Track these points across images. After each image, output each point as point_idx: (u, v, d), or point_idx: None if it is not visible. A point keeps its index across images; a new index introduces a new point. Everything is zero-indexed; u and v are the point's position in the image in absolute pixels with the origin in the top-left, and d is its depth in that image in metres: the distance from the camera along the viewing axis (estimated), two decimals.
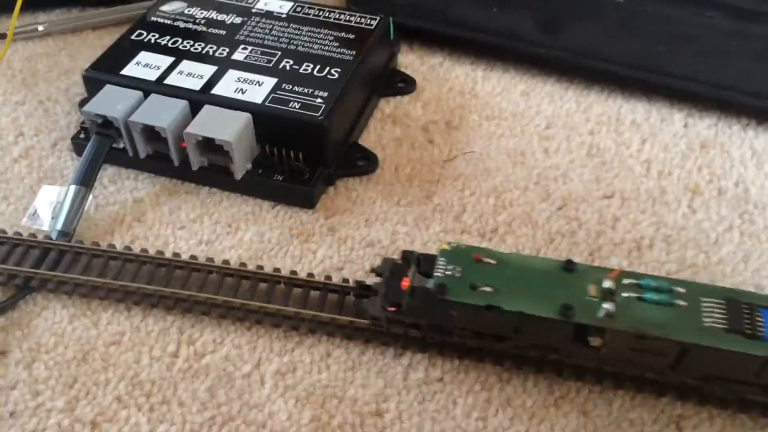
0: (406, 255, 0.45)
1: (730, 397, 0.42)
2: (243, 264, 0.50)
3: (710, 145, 0.61)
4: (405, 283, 0.43)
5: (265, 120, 0.55)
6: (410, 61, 0.70)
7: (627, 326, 0.39)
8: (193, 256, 0.50)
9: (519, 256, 0.44)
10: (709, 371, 0.41)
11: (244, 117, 0.55)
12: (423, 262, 0.44)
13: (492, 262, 0.42)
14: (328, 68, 0.59)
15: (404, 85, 0.67)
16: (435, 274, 0.42)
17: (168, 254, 0.50)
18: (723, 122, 0.63)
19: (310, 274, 0.49)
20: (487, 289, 0.41)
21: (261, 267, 0.50)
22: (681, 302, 0.40)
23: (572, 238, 0.54)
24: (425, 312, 0.42)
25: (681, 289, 0.41)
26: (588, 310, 0.40)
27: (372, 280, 0.47)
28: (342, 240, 0.54)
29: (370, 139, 0.62)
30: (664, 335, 0.39)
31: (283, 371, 0.45)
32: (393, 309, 0.42)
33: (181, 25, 0.64)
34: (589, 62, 0.66)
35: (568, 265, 0.42)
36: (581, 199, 0.57)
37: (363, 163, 0.59)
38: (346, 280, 0.49)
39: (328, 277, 0.49)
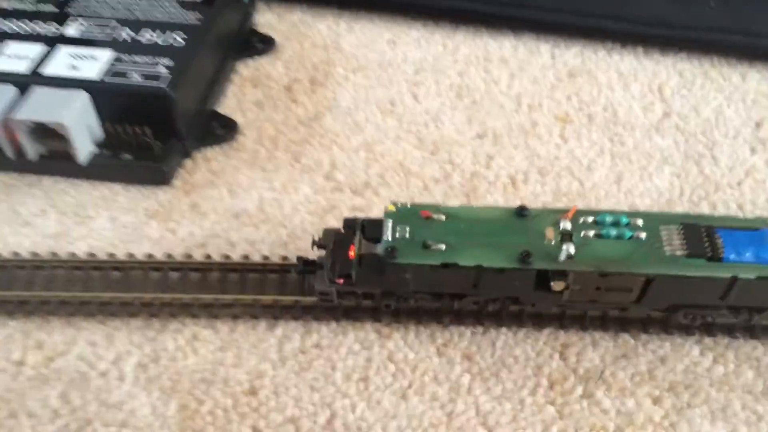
0: (349, 222, 0.41)
1: (696, 324, 0.42)
2: (92, 254, 0.46)
3: (578, 73, 0.60)
4: (352, 252, 0.40)
5: (105, 96, 0.51)
6: (268, 20, 0.66)
7: (589, 266, 0.38)
8: (34, 253, 0.46)
9: (469, 208, 0.42)
10: (675, 300, 0.40)
11: (79, 95, 0.50)
12: (368, 228, 0.41)
13: (442, 217, 0.40)
14: (171, 34, 0.55)
15: (263, 45, 0.63)
16: (383, 237, 0.39)
17: (6, 254, 0.46)
18: (588, 49, 0.62)
19: (169, 255, 0.46)
20: (441, 246, 0.38)
21: (113, 255, 0.46)
22: (640, 234, 0.39)
23: (447, 181, 0.52)
24: (377, 279, 0.39)
25: (638, 221, 0.39)
26: (548, 255, 0.38)
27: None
28: (204, 215, 0.50)
29: (228, 105, 0.58)
30: (626, 270, 0.37)
31: (145, 363, 0.42)
32: (342, 281, 0.40)
33: (4, 4, 0.58)
34: (453, 3, 0.64)
35: (521, 211, 0.40)
36: (454, 142, 0.55)
37: (222, 132, 0.55)
38: (266, 257, 0.46)
39: (226, 256, 0.46)
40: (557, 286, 0.38)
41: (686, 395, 0.40)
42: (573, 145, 0.54)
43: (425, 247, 0.38)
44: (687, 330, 0.42)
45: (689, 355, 0.42)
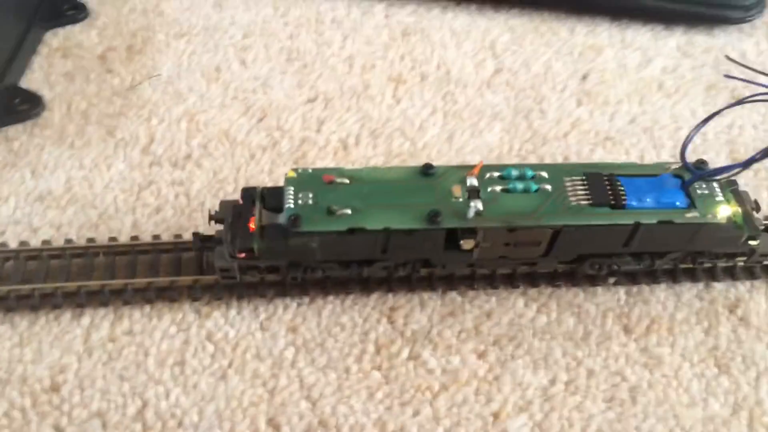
0: (248, 192, 0.38)
1: (602, 273, 0.41)
2: None
3: (412, 32, 0.59)
4: (252, 224, 0.37)
5: None
6: None
7: (497, 222, 0.36)
8: None
9: (373, 169, 0.39)
10: (581, 250, 0.39)
11: None
12: (268, 197, 0.38)
13: (345, 181, 0.37)
14: None
15: (74, 11, 0.58)
16: (285, 206, 0.36)
17: None
18: (423, 7, 0.61)
19: None
20: (347, 211, 0.36)
21: None
22: (545, 186, 0.38)
23: (275, 149, 0.50)
24: (281, 250, 0.37)
25: (543, 173, 0.39)
26: (456, 213, 0.36)
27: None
28: (4, 200, 0.45)
29: (34, 79, 0.53)
30: (534, 223, 0.37)
31: None
32: (243, 255, 0.37)
33: None
34: None
35: (427, 169, 0.38)
36: (283, 107, 0.53)
37: (25, 107, 0.50)
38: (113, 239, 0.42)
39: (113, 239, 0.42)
40: (467, 244, 0.37)
41: (510, 347, 0.40)
42: (406, 105, 0.53)
43: (330, 213, 0.36)
44: (523, 282, 0.42)
45: (514, 308, 0.42)
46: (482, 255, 0.39)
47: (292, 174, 0.38)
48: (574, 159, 0.50)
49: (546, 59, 0.58)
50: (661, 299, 0.42)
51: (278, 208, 0.37)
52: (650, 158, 0.50)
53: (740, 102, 0.39)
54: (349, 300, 0.42)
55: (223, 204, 0.39)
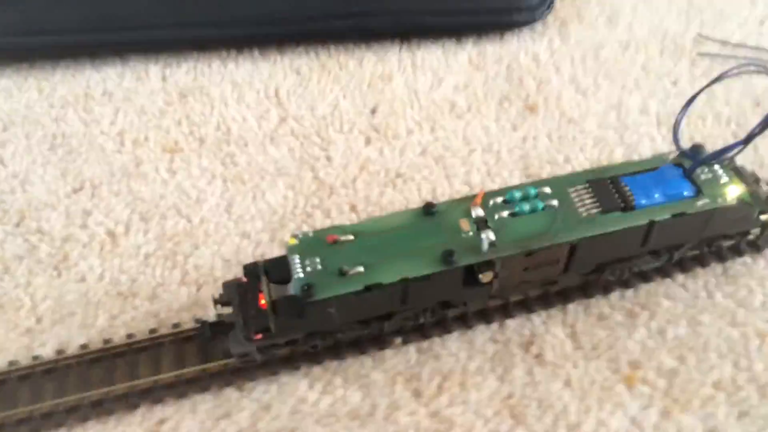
0: (250, 269, 0.37)
1: (624, 277, 0.41)
2: None
3: (189, 92, 0.56)
4: (262, 301, 0.35)
5: None
6: None
7: (513, 249, 0.36)
8: None
9: (375, 220, 0.38)
10: (600, 259, 0.39)
11: None
12: (272, 270, 0.36)
13: (350, 237, 0.36)
14: None
15: None
16: (295, 276, 0.35)
17: None
18: (202, 62, 0.58)
19: None
20: (359, 269, 0.35)
21: None
22: (552, 202, 0.37)
23: (33, 256, 0.45)
24: (299, 323, 0.35)
25: (546, 189, 0.38)
26: (470, 248, 0.35)
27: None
28: None
29: None
30: (551, 242, 0.36)
31: None
32: (260, 336, 0.35)
33: None
34: (27, 40, 0.56)
35: (429, 209, 0.37)
36: (44, 205, 0.48)
37: None
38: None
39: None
40: (486, 277, 0.36)
41: None
42: (181, 177, 0.50)
43: (342, 274, 0.35)
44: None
45: (296, 393, 0.39)
46: (502, 284, 0.38)
47: (294, 241, 0.36)
48: (361, 206, 0.48)
49: (333, 98, 0.55)
50: (453, 351, 0.40)
51: (285, 280, 0.35)
52: (442, 191, 0.48)
53: (720, 78, 0.38)
54: (113, 419, 0.38)
55: (227, 285, 0.37)
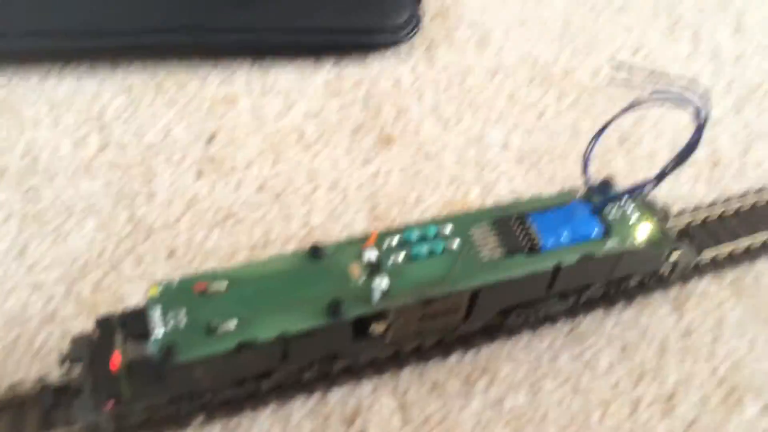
0: (103, 322, 0.32)
1: (529, 320, 0.38)
2: None
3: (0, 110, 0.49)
4: (116, 361, 0.30)
5: None
6: None
7: (408, 297, 0.32)
8: None
9: (252, 264, 0.33)
10: (503, 304, 0.36)
11: None
12: (131, 323, 0.31)
13: (222, 286, 0.32)
14: None
15: None
16: (154, 334, 0.30)
17: None
18: (18, 77, 0.51)
19: None
20: (230, 325, 0.31)
21: None
22: (452, 244, 0.34)
23: None
24: (158, 388, 0.31)
25: (447, 228, 0.35)
26: (359, 297, 0.32)
27: None
28: None
29: None
30: (449, 289, 0.33)
31: None
32: (112, 404, 0.30)
33: None
34: None
35: (315, 252, 0.33)
36: None
37: None
38: None
39: None
40: (378, 328, 0.33)
41: None
42: None
43: (211, 330, 0.30)
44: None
45: None
46: (395, 335, 0.34)
47: (155, 290, 0.31)
48: (182, 251, 0.42)
49: (166, 122, 0.49)
50: (265, 428, 0.35)
51: (145, 335, 0.31)
52: (277, 234, 0.43)
53: (628, 109, 0.34)
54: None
55: (77, 340, 0.32)
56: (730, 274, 0.42)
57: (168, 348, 0.30)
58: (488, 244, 0.35)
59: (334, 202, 0.45)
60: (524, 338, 0.39)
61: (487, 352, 0.38)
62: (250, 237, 0.43)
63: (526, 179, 0.47)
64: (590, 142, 0.35)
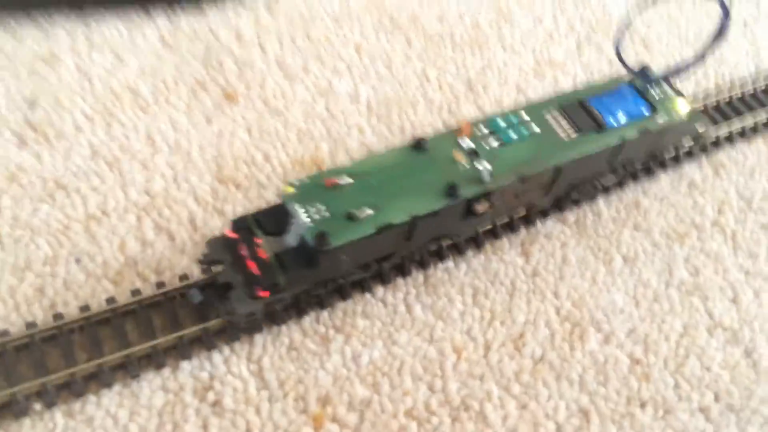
0: (240, 223, 0.36)
1: (588, 197, 0.45)
2: None
3: None
4: (263, 255, 0.35)
5: None
6: None
7: (511, 177, 0.38)
8: None
9: (368, 160, 0.38)
10: (573, 180, 0.42)
11: None
12: (266, 221, 0.36)
13: (349, 180, 0.36)
14: None
15: None
16: (302, 224, 0.34)
17: None
18: None
19: None
20: (369, 211, 0.35)
21: None
22: (535, 129, 0.40)
23: None
24: (309, 273, 0.35)
25: (525, 116, 0.40)
26: (469, 179, 0.37)
27: None
28: None
29: None
30: (542, 167, 0.39)
31: None
32: (267, 293, 0.34)
33: None
34: None
35: (419, 144, 0.38)
36: None
37: None
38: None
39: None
40: (482, 207, 0.38)
41: None
42: None
43: (351, 218, 0.35)
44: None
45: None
46: (493, 213, 0.40)
47: (290, 189, 0.36)
48: (6, 230, 0.40)
49: None
50: (111, 411, 0.34)
51: (279, 231, 0.36)
52: (115, 204, 0.42)
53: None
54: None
55: (211, 242, 0.36)
56: (571, 215, 0.45)
57: (321, 235, 0.34)
58: (563, 127, 0.41)
59: (176, 167, 0.44)
60: (378, 293, 0.40)
61: (342, 309, 0.39)
62: (85, 209, 0.41)
63: (376, 131, 0.48)
64: (617, 33, 0.44)
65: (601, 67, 0.54)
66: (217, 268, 0.37)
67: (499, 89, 0.52)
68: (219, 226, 0.41)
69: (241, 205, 0.42)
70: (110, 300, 0.37)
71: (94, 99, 0.46)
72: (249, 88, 0.49)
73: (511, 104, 0.51)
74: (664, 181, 0.47)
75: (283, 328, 0.38)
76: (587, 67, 0.54)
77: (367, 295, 0.40)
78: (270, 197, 0.43)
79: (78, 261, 0.39)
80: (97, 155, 0.44)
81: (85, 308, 0.37)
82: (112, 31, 0.50)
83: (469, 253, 0.42)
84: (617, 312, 0.41)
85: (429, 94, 0.51)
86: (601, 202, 0.46)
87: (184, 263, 0.40)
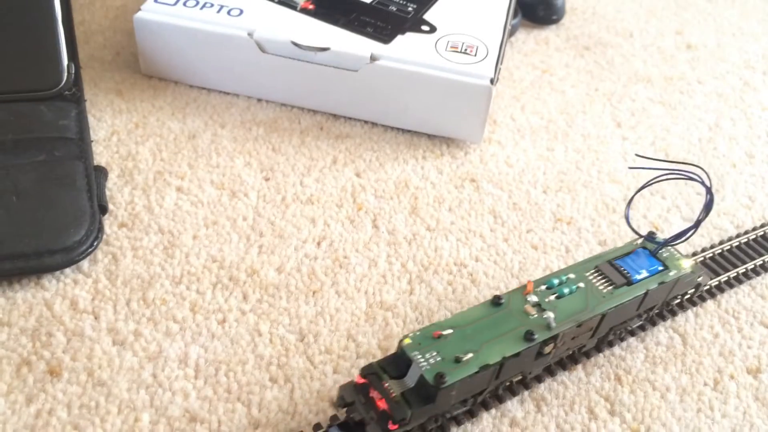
0: (368, 369, 0.46)
1: (622, 337, 0.58)
2: None
3: None
4: (393, 394, 0.44)
5: None
6: None
7: (571, 323, 0.49)
8: None
9: (459, 315, 0.48)
10: (613, 323, 0.53)
11: None
12: (390, 367, 0.46)
13: (449, 331, 0.47)
14: None
15: None
16: (420, 368, 0.44)
17: None
18: None
19: None
20: (470, 355, 0.45)
21: None
22: (580, 284, 0.52)
23: None
24: (428, 408, 0.44)
25: (572, 275, 0.52)
26: (539, 326, 0.48)
27: None
28: None
29: None
30: (592, 315, 0.49)
31: None
32: (396, 426, 0.43)
33: None
34: None
35: (497, 300, 0.49)
36: None
37: None
38: None
39: None
40: (549, 348, 0.49)
41: None
42: None
43: (457, 361, 0.45)
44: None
45: None
46: (556, 354, 0.51)
47: (408, 341, 0.46)
48: None
49: None
50: None
51: (400, 375, 0.45)
52: None
53: (645, 186, 0.56)
54: None
55: (344, 388, 0.46)
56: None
57: (440, 375, 0.43)
58: (602, 283, 0.52)
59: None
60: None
61: None
62: None
63: (201, 394, 0.50)
64: (627, 207, 0.57)
65: (431, 306, 0.58)
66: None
67: (329, 337, 0.55)
68: None
69: None
70: None
71: None
72: (75, 360, 0.51)
73: (342, 351, 0.54)
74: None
75: None
76: (417, 306, 0.58)
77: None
78: None
79: None
80: None
81: None
82: None
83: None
84: None
85: (259, 349, 0.54)
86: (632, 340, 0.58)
87: None
